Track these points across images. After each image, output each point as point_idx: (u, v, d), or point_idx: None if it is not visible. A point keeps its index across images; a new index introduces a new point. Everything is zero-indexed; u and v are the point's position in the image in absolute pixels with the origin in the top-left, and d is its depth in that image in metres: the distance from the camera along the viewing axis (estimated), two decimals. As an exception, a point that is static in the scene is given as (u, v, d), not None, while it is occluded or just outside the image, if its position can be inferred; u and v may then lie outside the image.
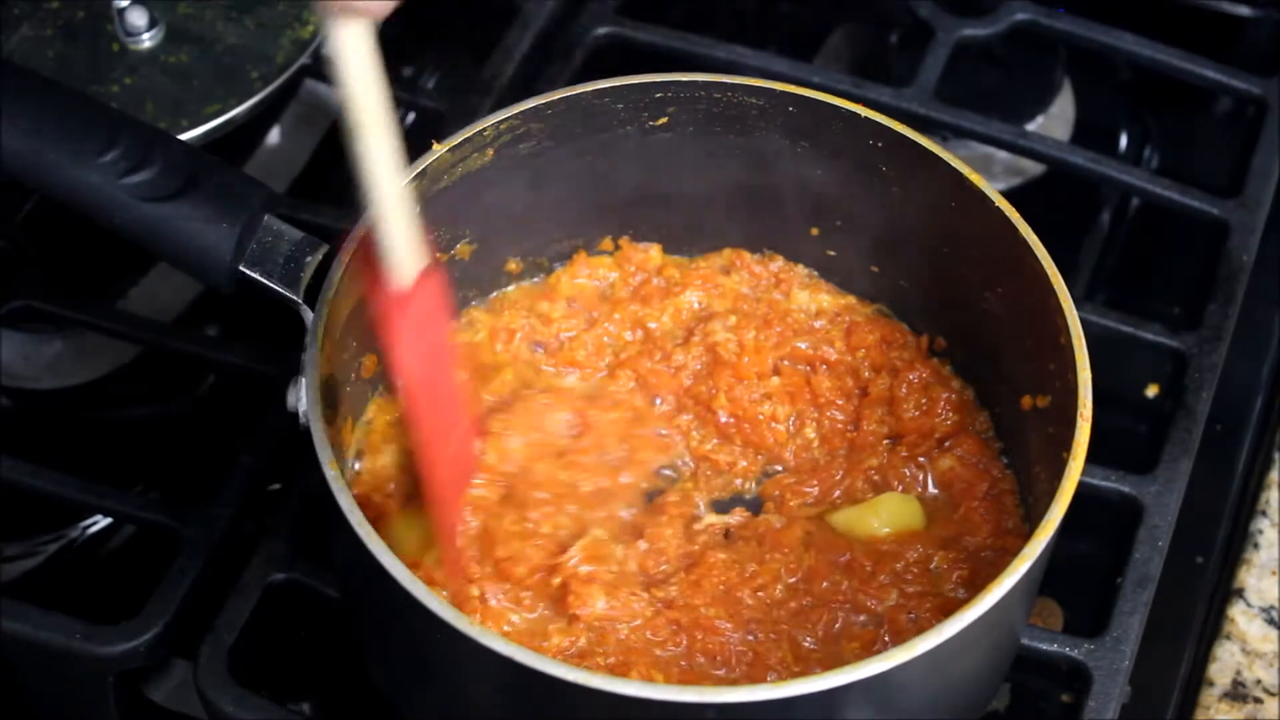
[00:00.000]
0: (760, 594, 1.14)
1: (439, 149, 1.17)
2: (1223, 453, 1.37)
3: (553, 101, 1.20)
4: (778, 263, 1.30)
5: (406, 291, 1.06)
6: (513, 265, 1.28)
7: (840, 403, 1.24)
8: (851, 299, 1.28)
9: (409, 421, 1.09)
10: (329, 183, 1.50)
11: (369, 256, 1.06)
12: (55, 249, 1.40)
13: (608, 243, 1.30)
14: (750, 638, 1.11)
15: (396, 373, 1.08)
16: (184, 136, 1.34)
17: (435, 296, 1.08)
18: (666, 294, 1.28)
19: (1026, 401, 1.18)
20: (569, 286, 1.28)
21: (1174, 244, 1.51)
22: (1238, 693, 1.25)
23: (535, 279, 1.29)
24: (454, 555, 1.11)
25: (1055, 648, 1.19)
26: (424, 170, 1.16)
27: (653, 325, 1.27)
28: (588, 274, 1.29)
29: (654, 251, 1.30)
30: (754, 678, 1.10)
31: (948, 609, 1.05)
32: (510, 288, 1.29)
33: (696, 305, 1.28)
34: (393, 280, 1.06)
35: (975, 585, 1.13)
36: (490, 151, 1.19)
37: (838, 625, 1.13)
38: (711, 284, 1.29)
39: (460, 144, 1.18)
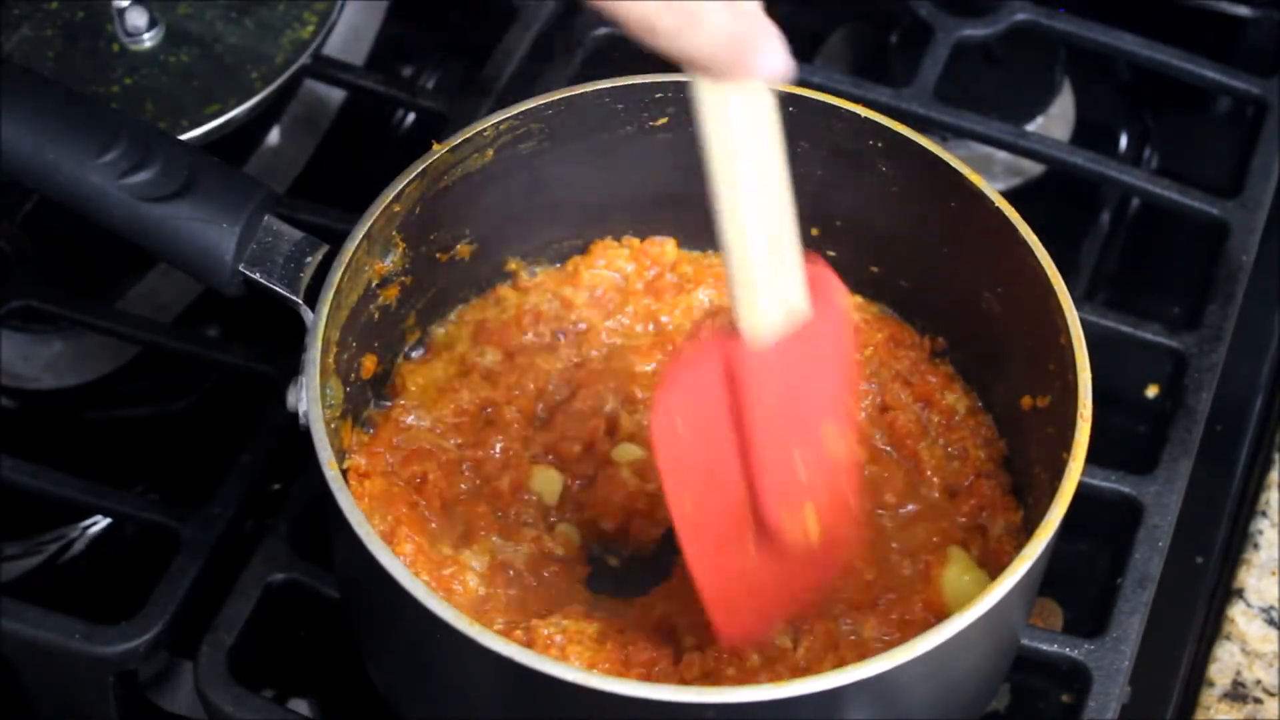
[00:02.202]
0: None
1: (439, 149, 1.17)
2: (1223, 453, 1.37)
3: (553, 102, 1.20)
4: None
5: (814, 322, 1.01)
6: (513, 265, 1.29)
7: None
8: (858, 299, 1.28)
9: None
10: (329, 183, 1.50)
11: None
12: (55, 249, 1.40)
13: (610, 242, 1.30)
14: None
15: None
16: (184, 136, 1.34)
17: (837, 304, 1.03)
18: (679, 290, 1.29)
19: (1026, 401, 1.18)
20: (589, 275, 1.28)
21: (1174, 244, 1.51)
22: (1238, 693, 1.25)
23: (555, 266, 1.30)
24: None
25: (1055, 648, 1.19)
26: (424, 170, 1.16)
27: (665, 319, 1.27)
28: (604, 264, 1.29)
29: (669, 246, 1.30)
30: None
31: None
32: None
33: (706, 303, 1.28)
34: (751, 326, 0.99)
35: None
36: (490, 152, 1.19)
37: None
38: (723, 282, 1.29)
39: (460, 144, 1.18)
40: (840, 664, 1.07)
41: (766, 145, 0.97)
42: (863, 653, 1.11)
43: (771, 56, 0.92)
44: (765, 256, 0.98)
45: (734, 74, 0.92)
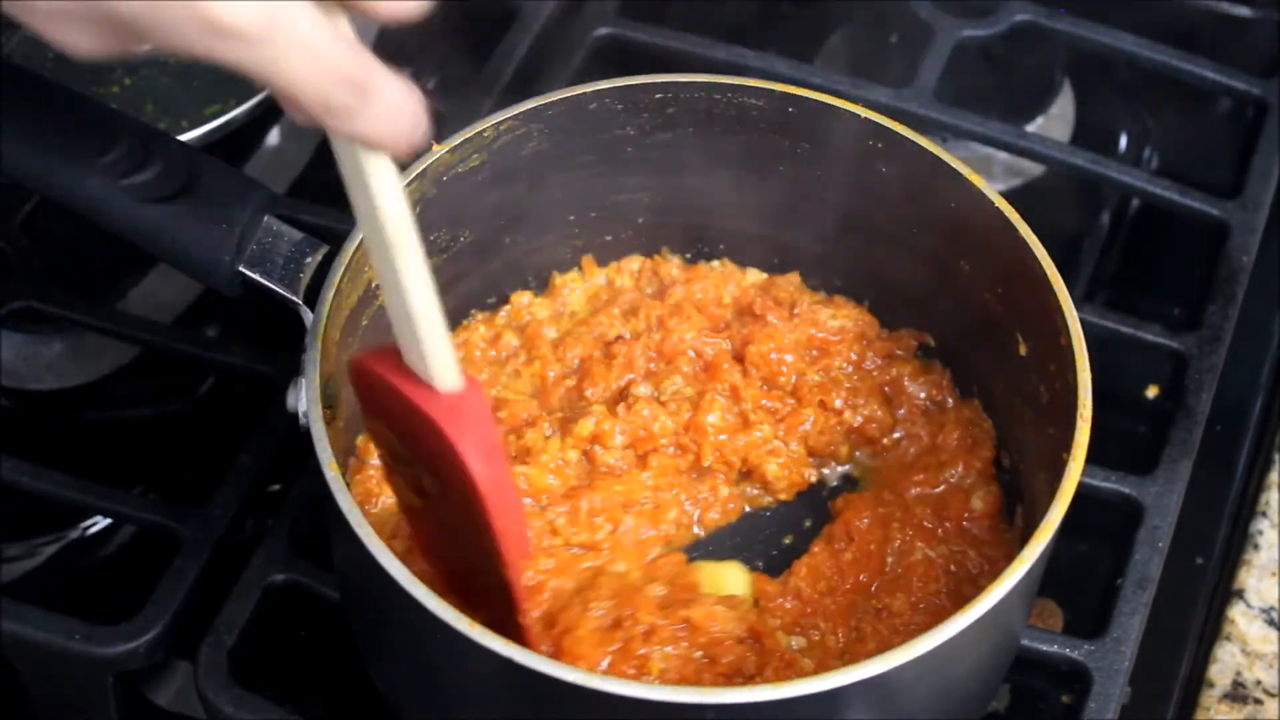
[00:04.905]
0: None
1: (439, 150, 1.17)
2: (1223, 453, 1.37)
3: (553, 102, 1.20)
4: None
5: (459, 396, 1.00)
6: (512, 267, 1.28)
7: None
8: (846, 305, 1.29)
9: (476, 515, 1.04)
10: (329, 183, 1.50)
11: (398, 374, 1.01)
12: (55, 249, 1.40)
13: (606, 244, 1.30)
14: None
15: (468, 475, 1.01)
16: (184, 137, 1.34)
17: (482, 396, 1.03)
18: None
19: (1026, 402, 1.18)
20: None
21: (1174, 245, 1.51)
22: (1238, 694, 1.25)
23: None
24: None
25: (1055, 649, 1.19)
26: (423, 171, 1.16)
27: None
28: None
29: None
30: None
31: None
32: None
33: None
34: (441, 387, 1.00)
35: (959, 589, 1.15)
36: (490, 152, 1.19)
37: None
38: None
39: (460, 144, 1.18)
40: (882, 647, 1.08)
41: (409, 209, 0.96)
42: (900, 628, 1.13)
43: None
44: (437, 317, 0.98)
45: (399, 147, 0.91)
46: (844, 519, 1.19)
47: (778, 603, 1.15)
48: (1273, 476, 1.34)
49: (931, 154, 1.19)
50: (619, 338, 1.25)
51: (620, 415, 1.20)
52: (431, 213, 1.19)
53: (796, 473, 1.22)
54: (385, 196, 0.94)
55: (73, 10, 0.86)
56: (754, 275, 1.30)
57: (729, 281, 1.29)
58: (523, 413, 1.22)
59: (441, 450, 1.01)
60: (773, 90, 1.21)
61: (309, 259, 1.13)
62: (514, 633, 1.06)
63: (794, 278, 1.30)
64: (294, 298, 1.12)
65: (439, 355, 0.99)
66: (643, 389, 1.23)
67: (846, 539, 1.18)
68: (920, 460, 1.22)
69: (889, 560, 1.17)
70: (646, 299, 1.28)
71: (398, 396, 1.01)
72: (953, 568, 1.16)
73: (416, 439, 1.02)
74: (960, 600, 1.03)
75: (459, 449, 1.00)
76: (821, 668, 1.11)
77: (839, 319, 1.26)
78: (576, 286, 1.29)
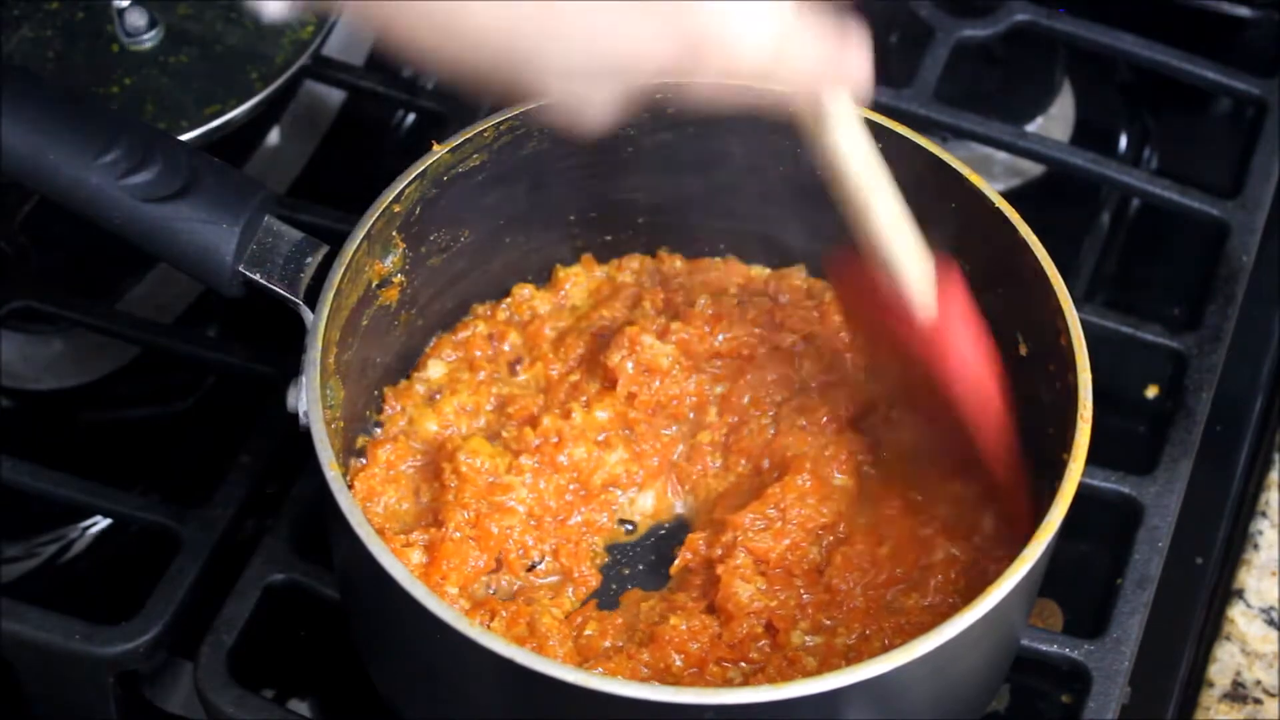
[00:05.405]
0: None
1: (439, 150, 1.17)
2: (1223, 453, 1.37)
3: (553, 102, 1.20)
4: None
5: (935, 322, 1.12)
6: (513, 266, 1.28)
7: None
8: None
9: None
10: (329, 183, 1.50)
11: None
12: (55, 249, 1.40)
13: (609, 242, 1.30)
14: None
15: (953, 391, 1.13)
16: (184, 137, 1.34)
17: (956, 291, 1.14)
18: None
19: (1025, 401, 1.18)
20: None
21: (1174, 245, 1.51)
22: (1237, 693, 1.25)
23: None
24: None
25: (1055, 648, 1.19)
26: (424, 171, 1.16)
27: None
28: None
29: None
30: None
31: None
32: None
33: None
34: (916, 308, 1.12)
35: (974, 588, 1.14)
36: (490, 152, 1.19)
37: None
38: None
39: (460, 145, 1.18)
40: (888, 648, 1.08)
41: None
42: (905, 627, 1.12)
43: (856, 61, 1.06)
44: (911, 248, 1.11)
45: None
46: (876, 508, 1.19)
47: (806, 599, 1.15)
48: (1273, 476, 1.34)
49: (931, 154, 1.19)
50: (628, 323, 1.25)
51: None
52: (431, 213, 1.19)
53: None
54: (850, 137, 1.08)
55: None
56: (759, 270, 1.31)
57: (734, 274, 1.29)
58: (532, 407, 1.22)
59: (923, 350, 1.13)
60: (773, 90, 1.21)
61: (309, 259, 1.13)
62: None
63: (800, 270, 1.30)
64: (294, 298, 1.12)
65: (912, 281, 1.11)
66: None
67: (878, 531, 1.17)
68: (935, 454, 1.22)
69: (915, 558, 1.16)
70: (649, 289, 1.28)
71: (880, 302, 1.13)
72: (974, 565, 1.16)
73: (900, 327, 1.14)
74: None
75: (943, 374, 1.13)
76: (825, 666, 1.11)
77: None
78: (580, 280, 1.29)
